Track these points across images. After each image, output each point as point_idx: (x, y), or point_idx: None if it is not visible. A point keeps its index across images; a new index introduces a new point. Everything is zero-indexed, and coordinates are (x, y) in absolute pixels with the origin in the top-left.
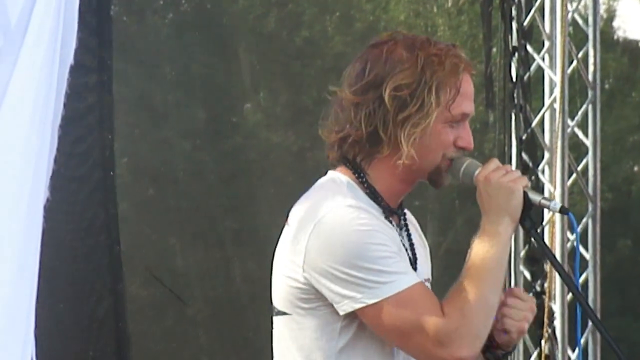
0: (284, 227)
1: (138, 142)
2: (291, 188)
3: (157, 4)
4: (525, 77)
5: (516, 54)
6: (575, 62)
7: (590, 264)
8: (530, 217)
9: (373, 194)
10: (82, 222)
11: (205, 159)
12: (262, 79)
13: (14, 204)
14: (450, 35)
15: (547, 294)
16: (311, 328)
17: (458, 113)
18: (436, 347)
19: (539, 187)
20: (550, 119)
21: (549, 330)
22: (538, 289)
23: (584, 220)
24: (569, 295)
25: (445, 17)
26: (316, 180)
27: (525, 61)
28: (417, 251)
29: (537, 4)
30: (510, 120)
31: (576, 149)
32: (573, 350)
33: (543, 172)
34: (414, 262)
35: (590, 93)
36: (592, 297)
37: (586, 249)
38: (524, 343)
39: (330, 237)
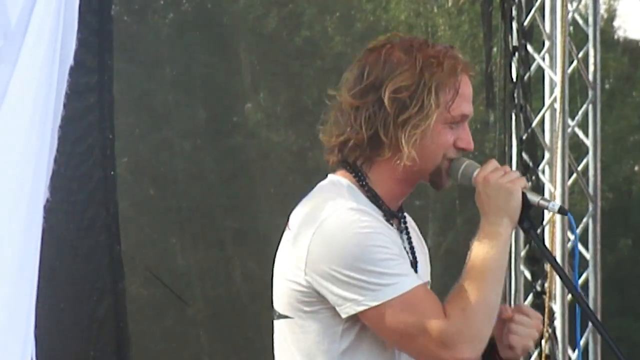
0: (284, 230)
1: (138, 142)
2: (291, 188)
3: (158, 4)
4: (526, 77)
5: (516, 54)
6: (575, 62)
7: (590, 264)
8: (529, 218)
9: (374, 197)
10: (82, 222)
11: (205, 158)
12: (263, 79)
13: (14, 204)
14: (451, 35)
15: (547, 294)
16: (313, 331)
17: (458, 114)
18: (439, 349)
19: (539, 187)
20: (551, 118)
21: (550, 330)
22: (538, 288)
23: (585, 220)
24: (570, 295)
25: (446, 16)
26: (316, 179)
27: (526, 61)
28: (417, 254)
29: (538, 3)
30: (511, 120)
31: (576, 149)
32: (573, 350)
33: (543, 172)
34: (414, 265)
35: (590, 93)
36: (593, 296)
37: (586, 248)
38: None
39: (332, 240)
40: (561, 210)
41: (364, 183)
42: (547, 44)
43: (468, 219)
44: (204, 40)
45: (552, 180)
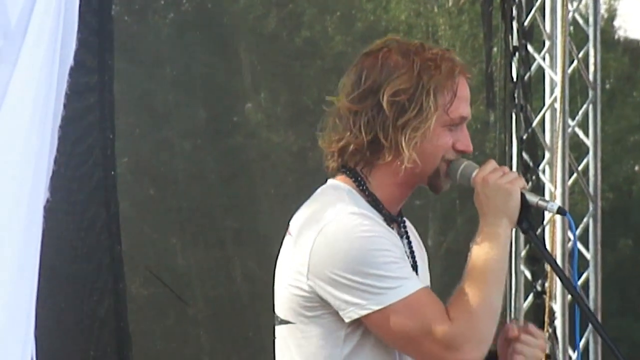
0: (284, 236)
1: (139, 142)
2: (291, 188)
3: (158, 4)
4: (526, 77)
5: (517, 54)
6: (575, 62)
7: (591, 264)
8: (528, 218)
9: (374, 202)
10: (82, 222)
11: (205, 158)
12: (263, 79)
13: (14, 204)
14: (451, 35)
15: (547, 294)
16: (315, 336)
17: (456, 116)
18: (444, 352)
19: (539, 187)
20: (551, 118)
21: (550, 330)
22: (539, 288)
23: (585, 220)
24: (570, 295)
25: (446, 16)
26: (316, 179)
27: (526, 61)
28: (417, 259)
29: (538, 3)
30: (511, 120)
31: (577, 149)
32: (574, 350)
33: (544, 171)
34: (415, 270)
35: (590, 93)
36: (593, 296)
37: (587, 248)
38: None
39: (334, 245)
40: (560, 211)
41: (364, 187)
42: (547, 43)
43: (468, 219)
44: (204, 40)
45: (553, 180)
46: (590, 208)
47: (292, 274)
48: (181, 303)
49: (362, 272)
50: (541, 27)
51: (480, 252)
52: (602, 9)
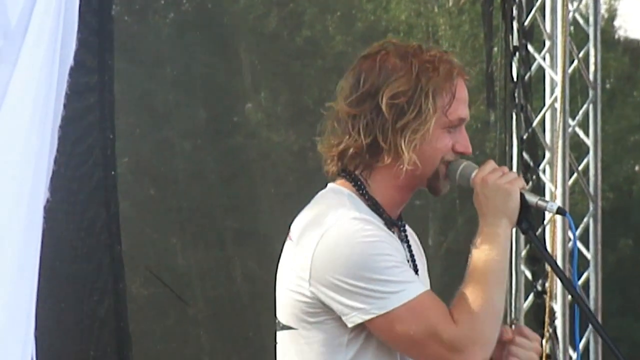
0: (285, 241)
1: (139, 142)
2: (292, 188)
3: (158, 4)
4: (526, 77)
5: (517, 54)
6: (576, 62)
7: (591, 264)
8: (528, 218)
9: (374, 206)
10: (83, 222)
11: (206, 158)
12: (263, 79)
13: (14, 204)
14: (451, 35)
15: (548, 294)
16: (318, 342)
17: (455, 118)
18: (450, 354)
19: (540, 187)
20: (551, 118)
21: (550, 330)
22: (539, 288)
23: (585, 219)
24: (570, 295)
25: (446, 16)
26: (317, 179)
27: (526, 61)
28: (417, 264)
29: (538, 3)
30: (511, 120)
31: (577, 149)
32: (574, 350)
33: (544, 171)
34: (415, 274)
35: (591, 93)
36: (593, 296)
37: (587, 248)
38: None
39: (336, 250)
40: (559, 211)
41: (364, 192)
42: (547, 43)
43: (468, 219)
44: (204, 40)
45: (553, 180)
46: (591, 208)
47: (294, 280)
48: (181, 303)
49: (364, 277)
50: (541, 27)
51: (480, 253)
52: (603, 8)
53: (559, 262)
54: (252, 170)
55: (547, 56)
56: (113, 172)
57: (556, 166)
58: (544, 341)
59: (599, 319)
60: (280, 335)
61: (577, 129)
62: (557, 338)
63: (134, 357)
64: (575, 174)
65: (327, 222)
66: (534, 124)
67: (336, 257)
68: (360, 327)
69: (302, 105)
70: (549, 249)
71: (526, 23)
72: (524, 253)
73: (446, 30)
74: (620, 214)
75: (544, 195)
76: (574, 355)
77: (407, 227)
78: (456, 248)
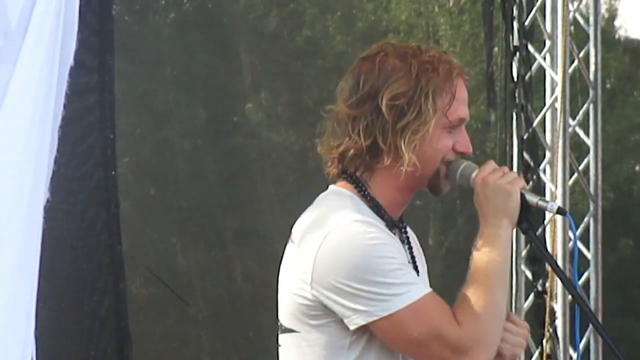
0: (286, 242)
1: (139, 142)
2: (292, 188)
3: (159, 4)
4: (527, 77)
5: (517, 54)
6: (576, 62)
7: (591, 264)
8: (528, 219)
9: (376, 207)
10: (83, 222)
11: (206, 158)
12: (263, 79)
13: (14, 204)
14: (452, 34)
15: (548, 294)
16: (320, 345)
17: (455, 118)
18: (454, 356)
19: (540, 187)
20: (552, 118)
21: (551, 330)
22: (539, 288)
23: (585, 219)
24: (570, 295)
25: (447, 16)
26: (317, 179)
27: (527, 61)
28: (418, 265)
29: (539, 3)
30: (512, 120)
31: (577, 149)
32: (574, 350)
33: (544, 171)
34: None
35: (591, 92)
36: (594, 296)
37: (587, 248)
38: None
39: (339, 254)
40: (560, 211)
41: (365, 193)
42: (548, 43)
43: (469, 219)
44: (204, 40)
45: (553, 179)
46: (591, 208)
47: (296, 282)
48: (181, 303)
49: (367, 279)
50: (542, 26)
51: (482, 254)
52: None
53: (559, 262)
54: (252, 170)
55: (548, 56)
56: (113, 172)
57: (556, 166)
58: (544, 341)
59: (599, 318)
60: (283, 338)
61: (578, 129)
62: (557, 338)
63: (134, 357)
64: (576, 174)
65: (329, 225)
66: (535, 123)
67: (339, 260)
68: (363, 330)
69: (302, 106)
70: (549, 249)
71: (526, 23)
72: (524, 253)
73: (446, 30)
74: (621, 213)
75: (544, 195)
76: (575, 355)
77: (407, 228)
78: (457, 248)
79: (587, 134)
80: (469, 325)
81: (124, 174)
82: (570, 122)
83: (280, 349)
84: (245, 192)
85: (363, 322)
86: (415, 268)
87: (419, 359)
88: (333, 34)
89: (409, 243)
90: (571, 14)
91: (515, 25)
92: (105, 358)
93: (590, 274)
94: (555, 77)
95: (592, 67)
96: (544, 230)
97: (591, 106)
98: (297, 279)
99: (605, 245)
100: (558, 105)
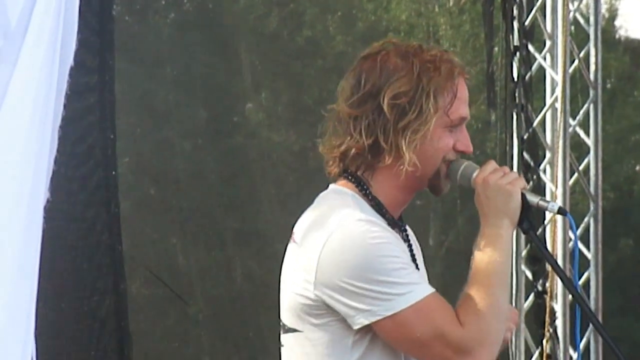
0: (288, 242)
1: (139, 142)
2: (292, 188)
3: (159, 4)
4: (527, 77)
5: (517, 54)
6: (576, 62)
7: (591, 264)
8: (529, 219)
9: (378, 206)
10: (83, 222)
11: (206, 158)
12: (264, 79)
13: (14, 204)
14: (452, 34)
15: (548, 294)
16: (323, 344)
17: (456, 117)
18: (457, 356)
19: (540, 187)
20: (552, 118)
21: (551, 330)
22: (540, 288)
23: (586, 219)
24: (571, 295)
25: (447, 16)
26: (317, 179)
27: (527, 61)
28: (418, 264)
29: (539, 3)
30: (512, 120)
31: (578, 149)
32: (575, 350)
33: (544, 171)
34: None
35: (591, 92)
36: (594, 296)
37: (588, 248)
38: (526, 343)
39: (342, 252)
40: (560, 211)
41: (367, 192)
42: (548, 43)
43: (469, 219)
44: (204, 40)
45: (553, 179)
46: (591, 208)
47: (299, 282)
48: (181, 303)
49: (371, 279)
50: (542, 26)
51: (483, 255)
52: (603, 8)
53: (560, 262)
54: (252, 170)
55: (548, 56)
56: (114, 172)
57: (557, 166)
58: (544, 341)
59: (600, 318)
60: (285, 337)
61: (578, 129)
62: (557, 338)
63: (134, 357)
64: (576, 174)
65: (332, 224)
66: (535, 123)
67: (342, 259)
68: (366, 329)
69: (302, 105)
70: (549, 249)
71: (527, 23)
72: (524, 253)
73: (447, 30)
74: (621, 213)
75: (544, 196)
76: (575, 355)
77: (407, 227)
78: (457, 248)
79: (587, 134)
80: (471, 325)
81: (124, 174)
82: (571, 122)
83: (282, 348)
84: (245, 192)
85: (367, 322)
86: (417, 267)
87: (422, 358)
88: (333, 34)
89: (408, 242)
90: (571, 14)
91: (516, 25)
92: (105, 358)
93: (590, 274)
94: (555, 77)
95: (592, 67)
96: (544, 230)
97: (591, 106)
98: (300, 278)
99: (606, 245)
100: (558, 105)
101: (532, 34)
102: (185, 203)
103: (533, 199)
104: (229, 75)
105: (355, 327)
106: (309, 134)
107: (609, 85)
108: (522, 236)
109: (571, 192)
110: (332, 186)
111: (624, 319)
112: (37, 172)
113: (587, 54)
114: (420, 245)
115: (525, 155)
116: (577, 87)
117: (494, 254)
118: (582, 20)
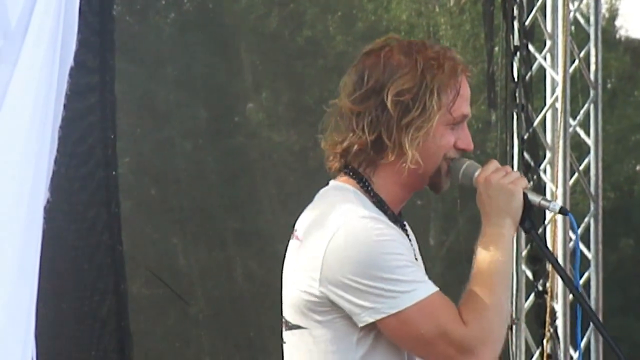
0: (290, 239)
1: (140, 142)
2: (293, 188)
3: (160, 4)
4: (527, 77)
5: (518, 54)
6: (577, 62)
7: (592, 264)
8: (530, 218)
9: (379, 202)
10: (84, 222)
11: (207, 158)
12: (264, 79)
13: (14, 204)
14: (452, 34)
15: (549, 294)
16: (327, 341)
17: (459, 115)
18: (459, 355)
19: (540, 187)
20: (552, 118)
21: (551, 330)
22: (540, 288)
23: (586, 219)
24: (571, 295)
25: (447, 16)
26: (318, 179)
27: (527, 60)
28: (418, 261)
29: (539, 3)
30: (512, 120)
31: (578, 149)
32: (575, 350)
33: (545, 171)
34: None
35: (592, 92)
36: (594, 296)
37: (588, 248)
38: (526, 342)
39: (347, 250)
40: (562, 211)
41: (369, 188)
42: (548, 43)
43: (470, 218)
44: (205, 40)
45: (554, 179)
46: (592, 208)
47: (303, 279)
48: (182, 303)
49: (375, 276)
50: (542, 26)
51: (485, 254)
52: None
53: (560, 262)
54: (253, 170)
55: (548, 56)
56: (114, 172)
57: (557, 166)
58: (545, 341)
59: (600, 318)
60: (288, 334)
61: (578, 129)
62: (558, 338)
63: (135, 357)
64: (576, 174)
65: (336, 221)
66: (535, 123)
67: (347, 257)
68: (370, 326)
69: (303, 105)
70: (549, 249)
71: (527, 23)
72: (524, 253)
73: (447, 29)
74: (621, 213)
75: (545, 195)
76: (575, 355)
77: (406, 224)
78: (457, 247)
79: (587, 133)
80: (474, 324)
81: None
82: (571, 122)
83: (285, 346)
84: (246, 192)
85: (371, 320)
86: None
87: (425, 356)
88: (333, 34)
89: (408, 238)
90: (572, 14)
91: (516, 25)
92: (105, 358)
93: (590, 273)
94: (555, 77)
95: (592, 67)
96: (544, 230)
97: (592, 106)
98: (304, 275)
99: (606, 245)
100: (559, 105)
101: (533, 34)
102: (186, 203)
103: (535, 198)
104: (229, 75)
105: (360, 325)
106: (309, 133)
107: (609, 85)
108: (523, 236)
109: (571, 192)
110: (333, 182)
111: (625, 318)
112: (37, 172)
113: (588, 54)
114: (419, 244)
115: (526, 155)
116: (577, 87)
117: (496, 254)
118: (582, 20)
